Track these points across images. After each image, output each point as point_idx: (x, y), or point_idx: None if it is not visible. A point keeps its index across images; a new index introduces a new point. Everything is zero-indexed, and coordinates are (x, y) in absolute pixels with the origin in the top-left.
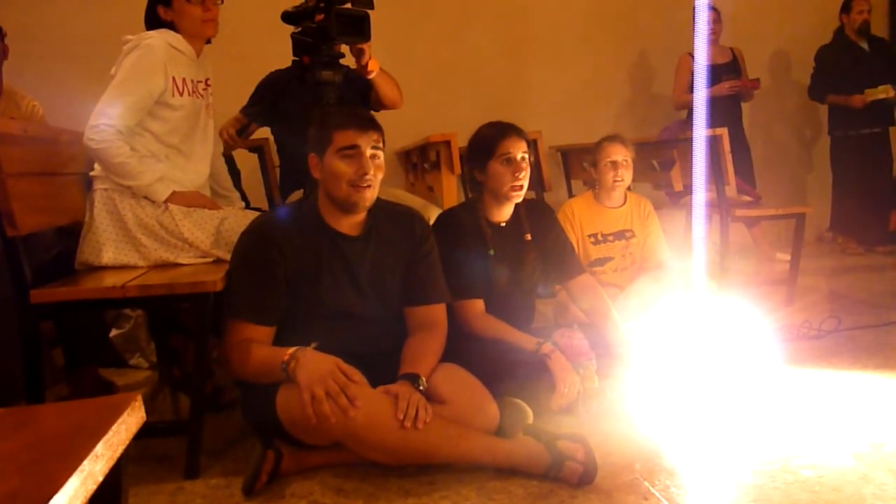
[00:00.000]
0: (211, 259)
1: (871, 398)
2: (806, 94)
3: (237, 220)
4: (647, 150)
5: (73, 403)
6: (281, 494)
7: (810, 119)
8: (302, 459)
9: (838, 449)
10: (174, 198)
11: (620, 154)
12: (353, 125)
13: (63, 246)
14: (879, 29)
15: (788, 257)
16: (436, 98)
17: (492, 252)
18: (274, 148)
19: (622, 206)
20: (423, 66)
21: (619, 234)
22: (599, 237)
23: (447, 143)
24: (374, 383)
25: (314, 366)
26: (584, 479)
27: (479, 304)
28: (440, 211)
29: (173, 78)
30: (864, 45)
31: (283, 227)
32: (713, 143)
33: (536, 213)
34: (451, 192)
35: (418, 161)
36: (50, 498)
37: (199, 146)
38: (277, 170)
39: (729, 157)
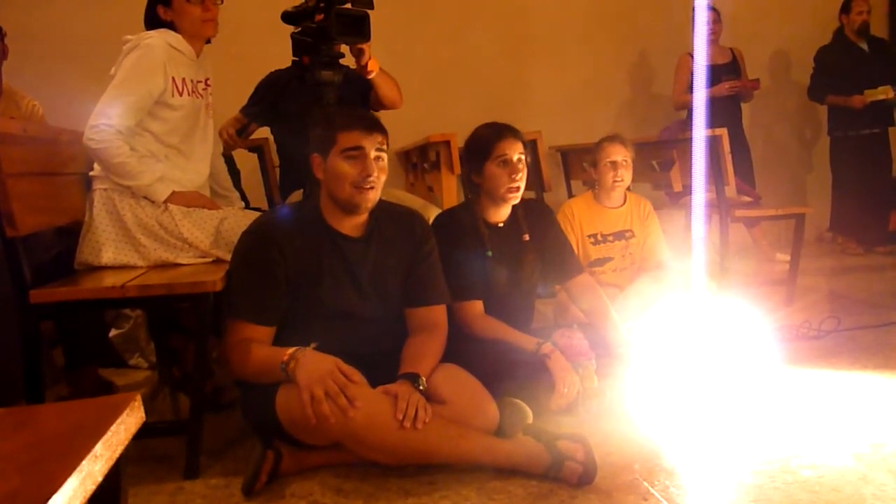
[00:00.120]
0: (210, 259)
1: (871, 398)
2: (805, 94)
3: (237, 220)
4: (646, 151)
5: (72, 403)
6: (281, 494)
7: (810, 119)
8: (302, 459)
9: (838, 449)
10: (174, 198)
11: (620, 154)
12: (358, 126)
13: (63, 246)
14: (879, 29)
15: (788, 257)
16: (436, 98)
17: (489, 253)
18: (274, 148)
19: (622, 206)
20: (423, 66)
21: (619, 235)
22: (599, 237)
23: (447, 143)
24: (374, 383)
25: (314, 366)
26: (584, 479)
27: (478, 306)
28: (440, 211)
29: (173, 78)
30: (864, 46)
31: (284, 227)
32: (713, 144)
33: (535, 213)
34: (451, 192)
35: (418, 161)
36: (49, 498)
37: (199, 146)
38: (277, 170)
39: (729, 157)
